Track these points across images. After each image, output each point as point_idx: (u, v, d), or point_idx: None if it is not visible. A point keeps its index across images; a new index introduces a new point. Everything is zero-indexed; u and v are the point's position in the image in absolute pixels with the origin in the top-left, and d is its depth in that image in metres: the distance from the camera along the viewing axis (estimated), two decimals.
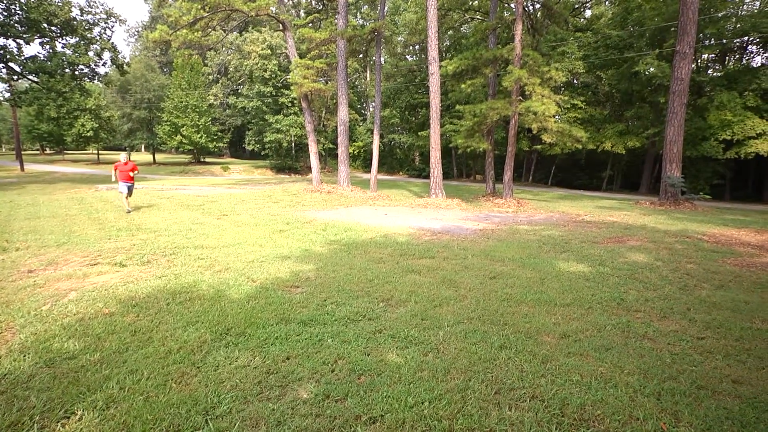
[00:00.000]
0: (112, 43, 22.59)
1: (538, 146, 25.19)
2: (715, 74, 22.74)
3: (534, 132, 15.29)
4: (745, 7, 22.67)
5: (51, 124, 35.88)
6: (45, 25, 19.98)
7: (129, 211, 10.24)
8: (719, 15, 20.14)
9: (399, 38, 35.22)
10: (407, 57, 39.09)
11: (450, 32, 32.09)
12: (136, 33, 62.06)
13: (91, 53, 21.80)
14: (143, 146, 54.92)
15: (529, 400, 2.51)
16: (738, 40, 21.89)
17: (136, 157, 49.27)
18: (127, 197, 10.43)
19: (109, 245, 6.59)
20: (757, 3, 23.28)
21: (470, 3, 24.59)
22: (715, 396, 2.60)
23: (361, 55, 28.25)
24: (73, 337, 3.22)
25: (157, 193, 15.25)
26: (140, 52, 56.53)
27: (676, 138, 14.97)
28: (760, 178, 22.07)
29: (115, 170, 10.49)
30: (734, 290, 4.81)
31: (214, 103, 43.46)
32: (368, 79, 41.48)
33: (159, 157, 46.05)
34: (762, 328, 3.69)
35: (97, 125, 37.34)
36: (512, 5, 21.87)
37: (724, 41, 21.54)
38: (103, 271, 5.14)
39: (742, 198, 22.11)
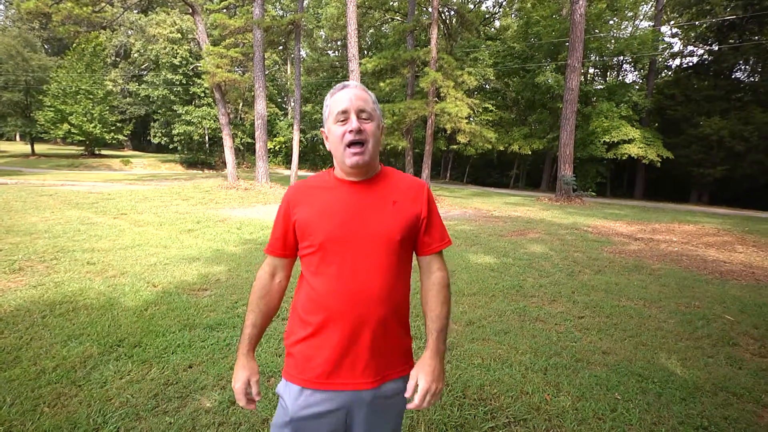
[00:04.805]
0: None
1: (455, 146, 26.63)
2: (598, 87, 26.17)
3: (449, 132, 16.16)
4: (621, 31, 26.40)
5: None
6: None
7: None
8: (601, 35, 23.16)
9: (321, 32, 34.65)
10: (329, 52, 38.65)
11: (371, 30, 32.41)
12: (7, 1, 52.43)
13: None
14: (17, 135, 46.78)
15: None
16: (615, 59, 25.44)
17: (7, 146, 41.73)
18: None
19: None
20: (629, 28, 27.29)
21: (390, 3, 25.07)
22: (588, 366, 3.00)
23: (280, 47, 27.28)
24: None
25: (35, 189, 13.11)
26: (14, 23, 47.89)
27: (569, 141, 16.92)
28: (633, 178, 26.07)
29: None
30: (608, 274, 5.60)
31: (114, 89, 38.55)
32: (289, 72, 40.18)
33: (40, 148, 39.52)
34: (627, 305, 4.34)
35: None
36: (429, 9, 22.80)
37: (605, 59, 24.89)
38: None
39: (619, 194, 25.89)
